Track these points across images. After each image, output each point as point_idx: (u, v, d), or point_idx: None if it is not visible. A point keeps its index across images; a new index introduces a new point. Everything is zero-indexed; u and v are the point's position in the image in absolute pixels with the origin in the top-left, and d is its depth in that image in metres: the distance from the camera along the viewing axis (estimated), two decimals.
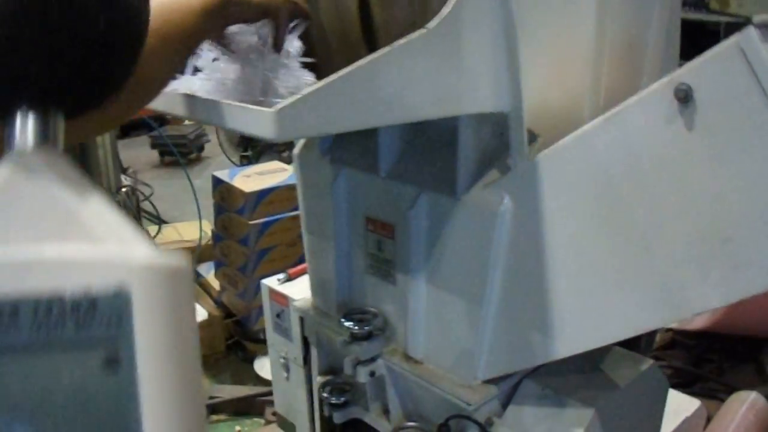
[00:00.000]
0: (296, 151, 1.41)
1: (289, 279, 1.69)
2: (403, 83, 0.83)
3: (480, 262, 1.10)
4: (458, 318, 1.17)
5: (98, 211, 0.40)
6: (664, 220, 0.92)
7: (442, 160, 1.13)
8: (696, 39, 1.45)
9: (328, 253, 1.39)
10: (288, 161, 3.89)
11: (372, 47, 1.17)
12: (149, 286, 0.37)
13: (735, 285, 0.88)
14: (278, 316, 1.67)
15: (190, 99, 0.94)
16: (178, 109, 0.96)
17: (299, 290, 1.61)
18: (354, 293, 1.39)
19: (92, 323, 0.36)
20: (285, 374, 1.71)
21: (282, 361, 1.70)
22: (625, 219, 0.95)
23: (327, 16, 1.22)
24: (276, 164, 3.46)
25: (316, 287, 1.48)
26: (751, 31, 0.81)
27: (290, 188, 3.07)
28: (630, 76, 1.17)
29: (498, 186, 1.06)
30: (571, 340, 1.05)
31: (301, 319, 1.56)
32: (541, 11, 0.98)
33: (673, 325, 2.74)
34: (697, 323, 2.65)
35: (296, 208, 3.07)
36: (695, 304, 0.92)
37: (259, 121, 0.78)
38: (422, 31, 0.83)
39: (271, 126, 0.76)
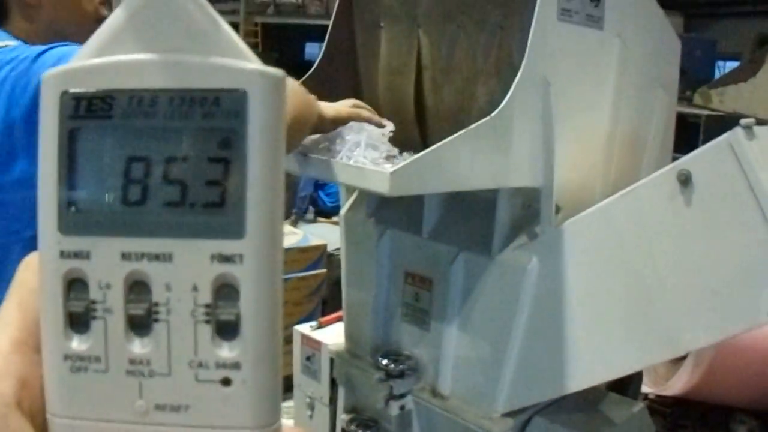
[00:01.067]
0: (342, 212, 1.63)
1: (320, 327, 1.90)
2: (471, 158, 1.07)
3: (508, 311, 1.32)
4: (484, 359, 1.38)
5: (221, 32, 0.46)
6: (664, 276, 1.15)
7: (478, 225, 1.36)
8: (680, 129, 1.68)
9: (366, 303, 1.60)
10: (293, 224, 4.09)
11: (422, 126, 1.41)
12: (261, 88, 0.44)
13: (719, 328, 1.11)
14: (308, 359, 1.86)
15: (308, 158, 1.18)
16: (294, 167, 1.20)
17: (330, 336, 1.81)
18: (388, 338, 1.59)
19: (215, 114, 0.44)
20: (309, 413, 1.90)
21: (308, 401, 1.89)
22: (632, 275, 1.18)
23: (383, 94, 1.45)
24: (286, 227, 3.67)
25: (351, 332, 1.69)
26: (738, 131, 1.05)
27: (300, 250, 3.27)
28: (634, 161, 1.42)
29: (528, 248, 1.29)
30: (583, 376, 1.26)
31: (332, 361, 1.76)
32: (570, 108, 1.22)
33: (650, 393, 2.94)
34: (673, 391, 2.84)
35: (305, 270, 3.29)
36: (687, 344, 1.15)
37: (376, 180, 1.02)
38: (487, 119, 1.07)
39: (386, 184, 1.00)
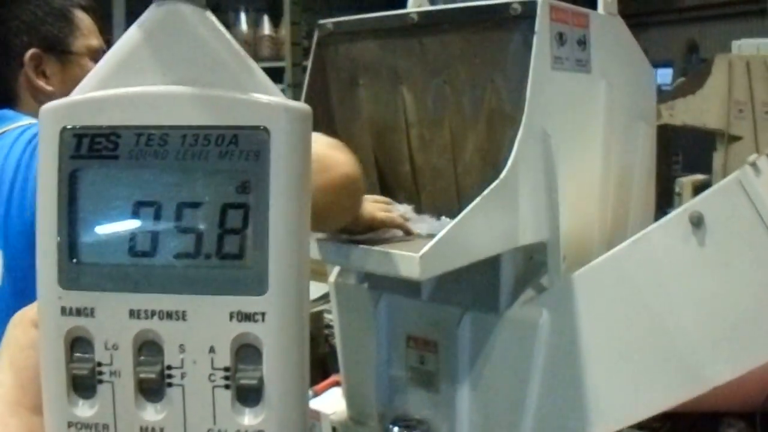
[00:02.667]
0: (331, 279, 1.59)
1: (316, 395, 1.84)
2: (486, 226, 1.05)
3: (522, 367, 1.29)
4: (501, 418, 1.35)
5: (239, 61, 0.43)
6: (683, 316, 1.14)
7: (481, 282, 1.33)
8: None
9: (367, 370, 1.56)
10: None
11: (416, 182, 1.39)
12: (285, 125, 0.40)
13: (740, 361, 1.11)
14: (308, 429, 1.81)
15: (336, 245, 1.14)
16: (323, 255, 1.17)
17: (328, 405, 1.76)
18: (395, 402, 1.55)
19: (233, 155, 0.40)
20: None
21: None
22: (650, 318, 1.16)
23: (376, 152, 1.43)
24: None
25: (353, 400, 1.64)
26: (747, 169, 1.04)
27: None
28: (625, 196, 1.41)
29: (537, 302, 1.26)
30: (605, 422, 1.23)
31: (334, 430, 1.71)
32: (567, 156, 1.20)
33: None
34: None
35: None
36: (711, 379, 1.14)
37: (406, 264, 1.00)
38: (496, 182, 1.05)
39: (417, 268, 0.98)
